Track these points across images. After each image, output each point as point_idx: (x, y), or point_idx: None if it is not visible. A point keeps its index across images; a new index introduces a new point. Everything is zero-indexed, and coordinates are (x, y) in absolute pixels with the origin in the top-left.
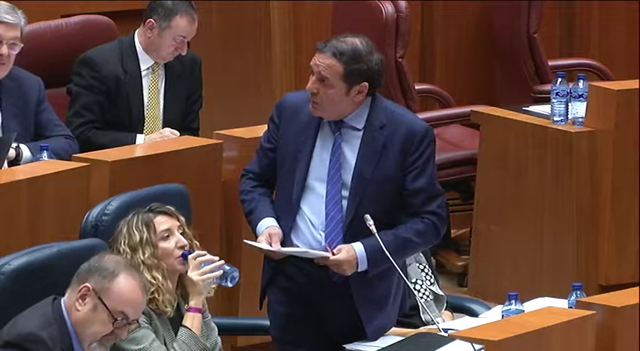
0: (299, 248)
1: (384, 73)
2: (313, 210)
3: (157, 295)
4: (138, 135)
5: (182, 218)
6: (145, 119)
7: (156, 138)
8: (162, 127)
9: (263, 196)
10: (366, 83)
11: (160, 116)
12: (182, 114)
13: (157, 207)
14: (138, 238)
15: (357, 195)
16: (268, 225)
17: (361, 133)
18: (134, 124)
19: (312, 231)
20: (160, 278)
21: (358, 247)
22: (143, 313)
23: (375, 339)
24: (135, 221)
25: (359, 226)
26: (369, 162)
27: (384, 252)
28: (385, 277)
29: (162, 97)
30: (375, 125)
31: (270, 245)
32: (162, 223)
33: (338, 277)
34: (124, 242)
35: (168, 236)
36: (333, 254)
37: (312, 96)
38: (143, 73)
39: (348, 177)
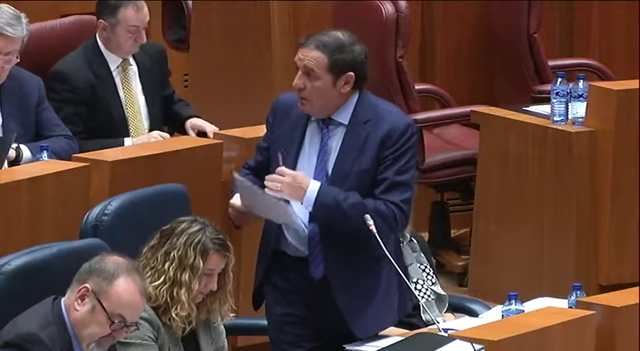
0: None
1: (367, 64)
2: (300, 205)
3: (172, 309)
4: (125, 139)
5: (232, 257)
6: (127, 118)
7: (144, 140)
8: (149, 125)
9: (248, 176)
10: (352, 73)
11: (141, 112)
12: (163, 107)
13: (219, 241)
14: (190, 260)
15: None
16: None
17: (346, 128)
18: (117, 124)
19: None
20: (184, 298)
21: (314, 183)
22: (152, 327)
23: (364, 336)
24: (196, 241)
25: None
26: (349, 156)
27: (337, 204)
28: (372, 272)
29: (140, 95)
30: (359, 120)
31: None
32: (213, 261)
33: (317, 273)
34: (177, 251)
35: (206, 275)
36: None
37: (299, 92)
38: (114, 73)
39: (330, 171)
